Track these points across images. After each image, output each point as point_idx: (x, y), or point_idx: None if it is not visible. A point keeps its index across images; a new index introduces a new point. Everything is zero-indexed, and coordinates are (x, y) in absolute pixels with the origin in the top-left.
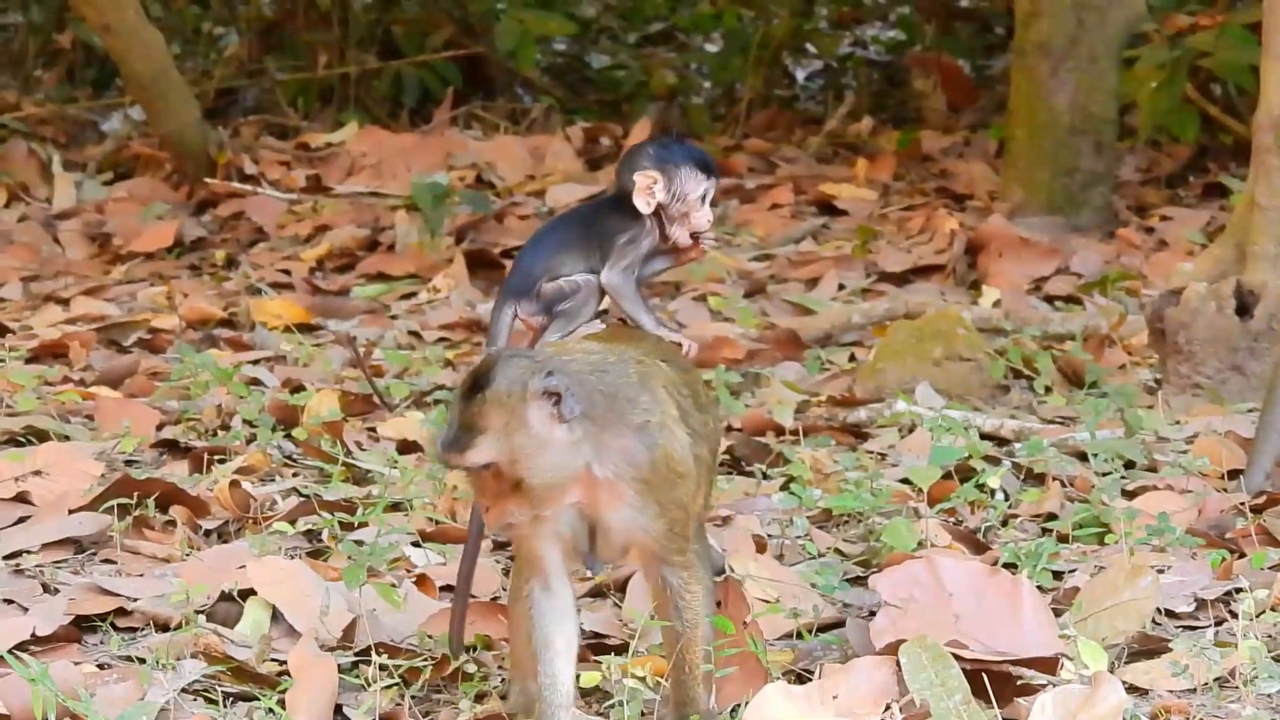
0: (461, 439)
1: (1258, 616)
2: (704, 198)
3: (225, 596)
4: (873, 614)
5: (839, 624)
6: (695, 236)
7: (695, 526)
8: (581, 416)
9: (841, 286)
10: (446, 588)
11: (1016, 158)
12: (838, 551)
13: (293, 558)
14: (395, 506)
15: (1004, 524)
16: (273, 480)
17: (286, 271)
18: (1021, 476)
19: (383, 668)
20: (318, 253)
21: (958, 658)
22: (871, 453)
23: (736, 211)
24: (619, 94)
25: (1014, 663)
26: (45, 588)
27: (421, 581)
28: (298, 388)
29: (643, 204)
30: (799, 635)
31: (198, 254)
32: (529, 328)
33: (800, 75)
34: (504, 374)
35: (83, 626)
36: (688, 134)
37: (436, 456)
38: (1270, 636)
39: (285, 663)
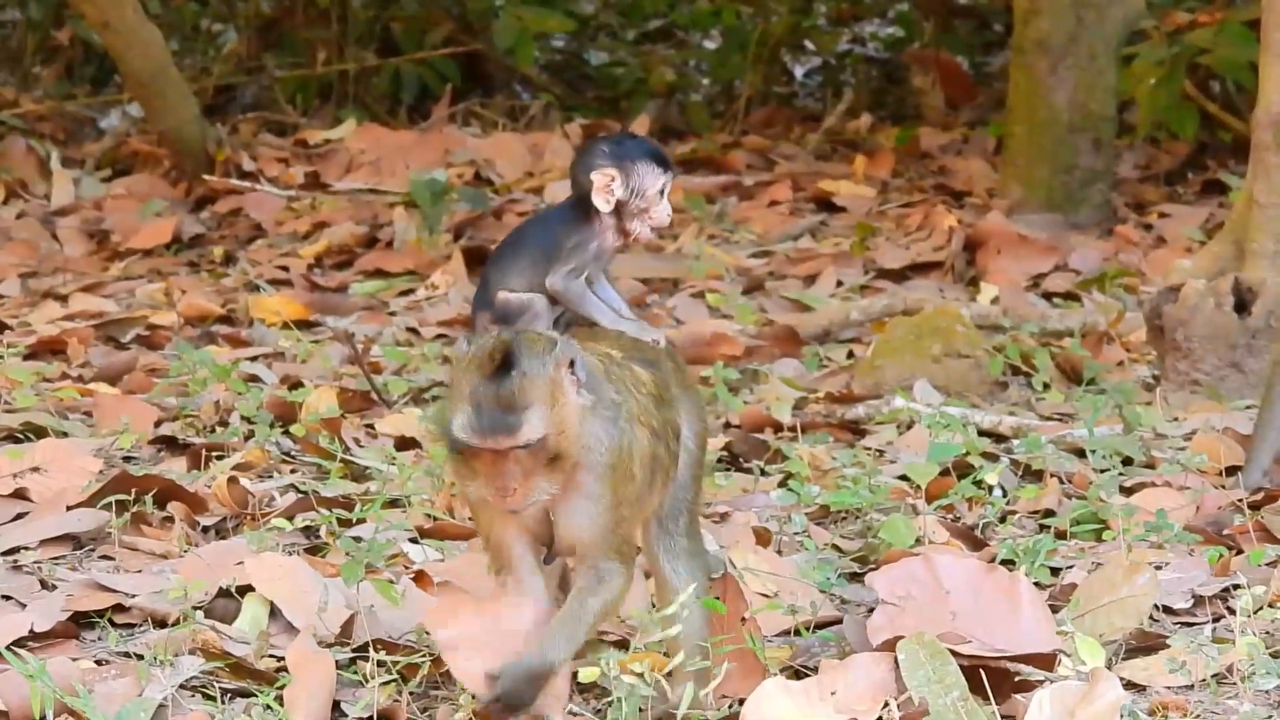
0: (508, 420)
1: (1255, 613)
2: (662, 191)
3: (223, 593)
4: (870, 611)
5: (836, 621)
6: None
7: (688, 524)
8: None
9: (840, 283)
10: (444, 584)
11: (1015, 155)
12: (835, 548)
13: (291, 554)
14: (393, 503)
15: (1002, 520)
16: (271, 477)
17: (285, 268)
18: (1019, 473)
19: (380, 664)
20: (316, 249)
21: (955, 654)
22: (869, 449)
23: (735, 208)
24: (617, 91)
25: (1011, 659)
26: (43, 584)
27: (419, 578)
28: (296, 384)
29: (602, 202)
30: (797, 632)
31: (196, 251)
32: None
33: (799, 72)
34: (529, 349)
35: (81, 623)
36: (687, 130)
37: (483, 442)
38: (1268, 633)
39: (283, 659)
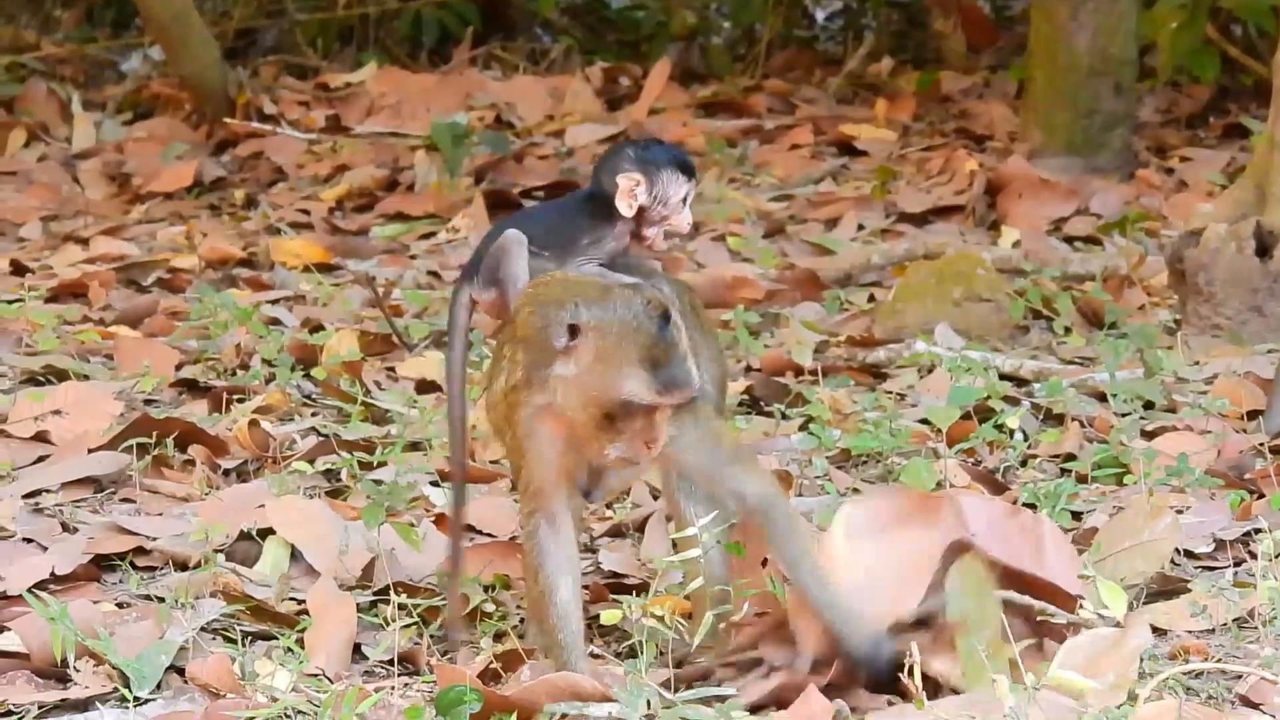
0: (686, 371)
1: (1277, 557)
2: (685, 200)
3: (244, 536)
4: None
5: None
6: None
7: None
8: None
9: (861, 227)
10: (465, 527)
11: (1036, 99)
12: (856, 491)
13: (312, 497)
14: (414, 446)
15: (1023, 464)
16: (292, 420)
17: (306, 211)
18: (1040, 417)
19: (401, 607)
20: (337, 193)
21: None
22: (890, 393)
23: (756, 152)
24: (638, 34)
25: (1036, 595)
26: (64, 527)
27: (440, 521)
28: (317, 327)
29: (625, 207)
30: None
31: (217, 194)
32: (484, 306)
33: (820, 16)
34: (668, 300)
35: (102, 565)
36: (708, 74)
37: (669, 398)
38: None
39: (304, 602)
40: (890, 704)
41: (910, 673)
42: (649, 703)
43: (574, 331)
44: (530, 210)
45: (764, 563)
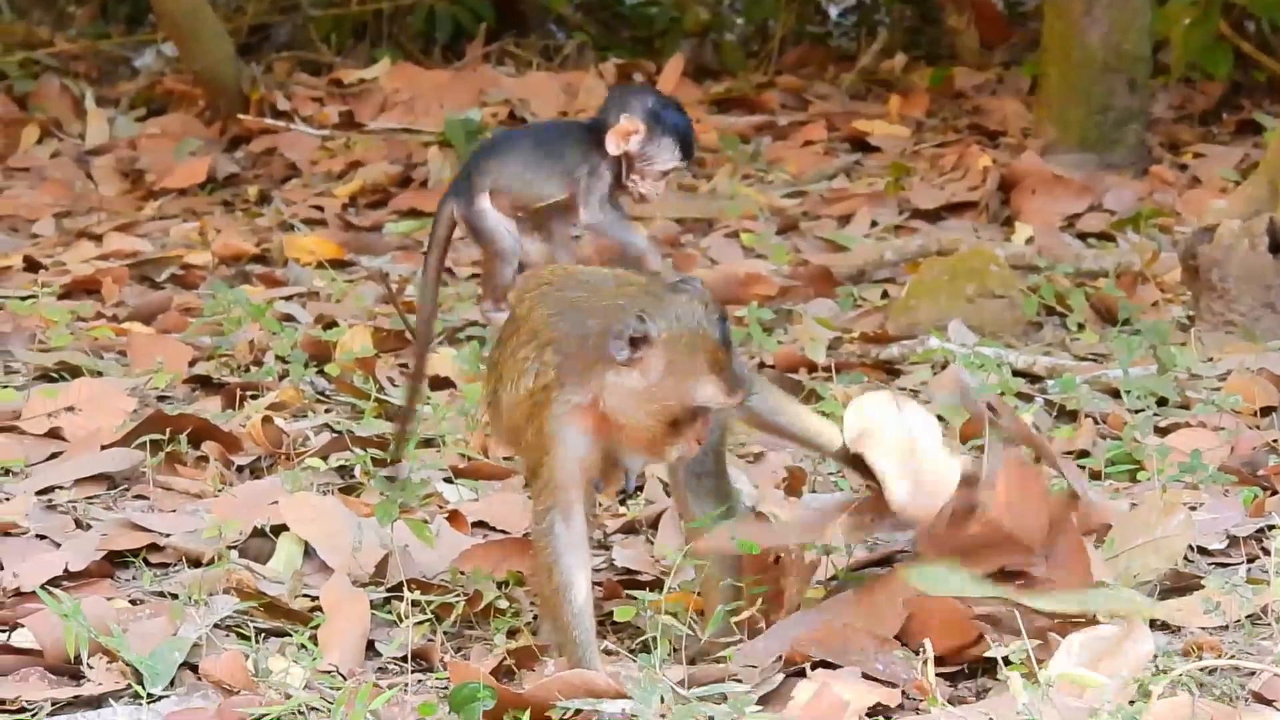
0: (743, 371)
1: None
2: (666, 174)
3: (258, 532)
4: (904, 552)
5: (874, 564)
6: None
7: (715, 464)
8: None
9: (874, 223)
10: (479, 524)
11: (1050, 95)
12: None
13: (325, 494)
14: (427, 442)
15: (1036, 461)
16: (305, 416)
17: (319, 208)
18: (1054, 413)
19: (415, 604)
20: (350, 189)
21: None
22: (904, 389)
23: (769, 148)
24: (652, 30)
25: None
26: (78, 523)
27: (454, 517)
28: (330, 324)
29: (612, 145)
30: (834, 577)
31: (230, 190)
32: (465, 225)
33: (833, 11)
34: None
35: (115, 562)
36: (721, 70)
37: (736, 399)
38: None
39: (318, 598)
40: (905, 703)
41: (924, 670)
42: (663, 699)
43: (636, 344)
44: (525, 130)
45: (775, 560)
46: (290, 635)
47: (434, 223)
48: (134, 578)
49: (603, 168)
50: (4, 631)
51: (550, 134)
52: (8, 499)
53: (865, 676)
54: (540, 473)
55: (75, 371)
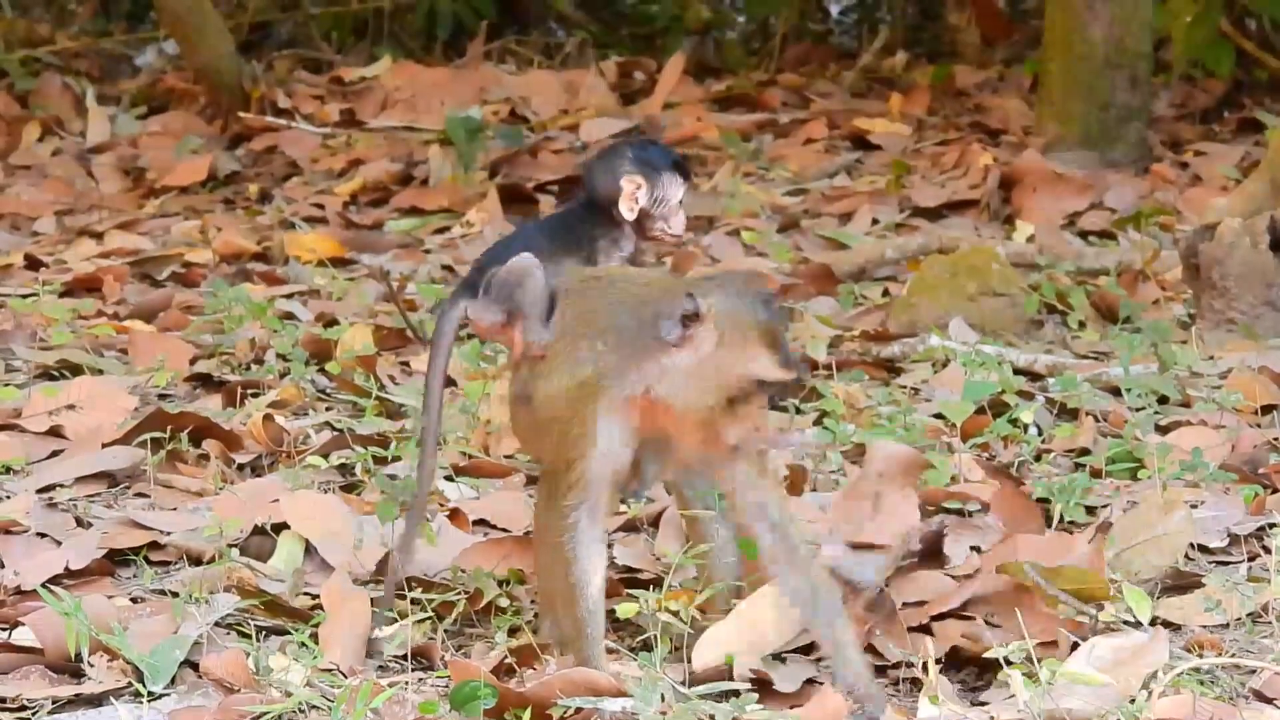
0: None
1: None
2: (680, 202)
3: (258, 530)
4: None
5: None
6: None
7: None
8: None
9: (875, 221)
10: (480, 522)
11: (1051, 92)
12: None
13: (326, 492)
14: None
15: (1037, 459)
16: (306, 414)
17: (320, 206)
18: (1055, 412)
19: (415, 602)
20: (351, 187)
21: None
22: (905, 388)
23: (770, 146)
24: (653, 28)
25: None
26: (79, 521)
27: (455, 516)
28: (331, 322)
29: (626, 211)
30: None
31: (231, 188)
32: (478, 331)
33: (834, 9)
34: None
35: (116, 560)
36: (722, 68)
37: (792, 374)
38: None
39: (318, 596)
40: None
41: (926, 669)
42: (663, 697)
43: (688, 321)
44: (530, 226)
45: None
46: (291, 633)
47: (438, 327)
48: (135, 576)
49: (622, 235)
50: (5, 629)
51: (565, 220)
52: (9, 497)
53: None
54: (574, 468)
55: (76, 369)
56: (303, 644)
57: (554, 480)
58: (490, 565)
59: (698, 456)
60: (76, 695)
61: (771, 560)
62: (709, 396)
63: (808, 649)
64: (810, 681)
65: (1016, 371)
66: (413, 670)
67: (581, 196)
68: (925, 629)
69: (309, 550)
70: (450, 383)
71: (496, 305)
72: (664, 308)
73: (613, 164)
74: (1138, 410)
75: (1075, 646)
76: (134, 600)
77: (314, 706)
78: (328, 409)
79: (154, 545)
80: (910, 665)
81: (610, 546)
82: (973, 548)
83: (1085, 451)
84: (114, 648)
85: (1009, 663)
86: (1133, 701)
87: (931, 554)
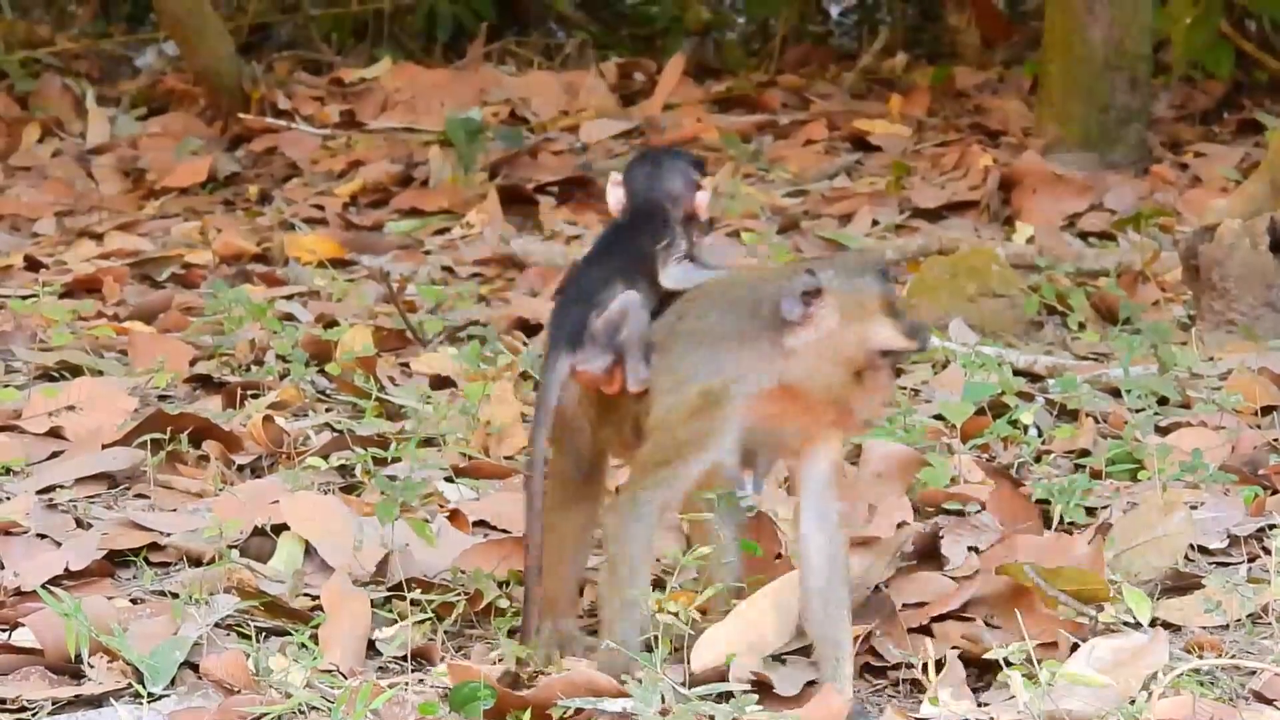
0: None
1: None
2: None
3: (258, 531)
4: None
5: None
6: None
7: None
8: None
9: (875, 223)
10: (480, 523)
11: (1051, 94)
12: None
13: (326, 493)
14: (428, 442)
15: (1037, 460)
16: (306, 415)
17: (320, 207)
18: (1055, 413)
19: (415, 603)
20: (351, 188)
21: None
22: (905, 388)
23: (770, 147)
24: (653, 29)
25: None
26: (79, 522)
27: (454, 517)
28: (331, 323)
29: (705, 211)
30: None
31: (231, 189)
32: (586, 382)
33: (834, 10)
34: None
35: (116, 561)
36: (722, 69)
37: (916, 344)
38: None
39: (318, 597)
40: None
41: (926, 669)
42: (663, 698)
43: (809, 299)
44: (591, 256)
45: (778, 556)
46: (291, 634)
47: (543, 391)
48: (135, 577)
49: (678, 238)
50: (5, 630)
51: (615, 245)
52: (9, 498)
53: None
54: (670, 462)
55: (76, 370)
56: (303, 645)
57: (641, 469)
58: (490, 566)
59: (816, 436)
60: (76, 696)
61: (804, 555)
62: (838, 372)
63: (808, 650)
64: (811, 683)
65: (1016, 373)
66: (412, 671)
67: (633, 213)
68: (925, 630)
69: (309, 551)
70: (449, 383)
71: (605, 351)
72: (784, 288)
73: (682, 172)
74: (1138, 411)
75: (1075, 647)
76: (134, 601)
77: (314, 707)
78: (328, 410)
79: (154, 546)
80: (910, 666)
81: None
82: (972, 549)
83: (1085, 453)
84: (114, 649)
85: (1009, 664)
86: (1133, 702)
87: (931, 555)
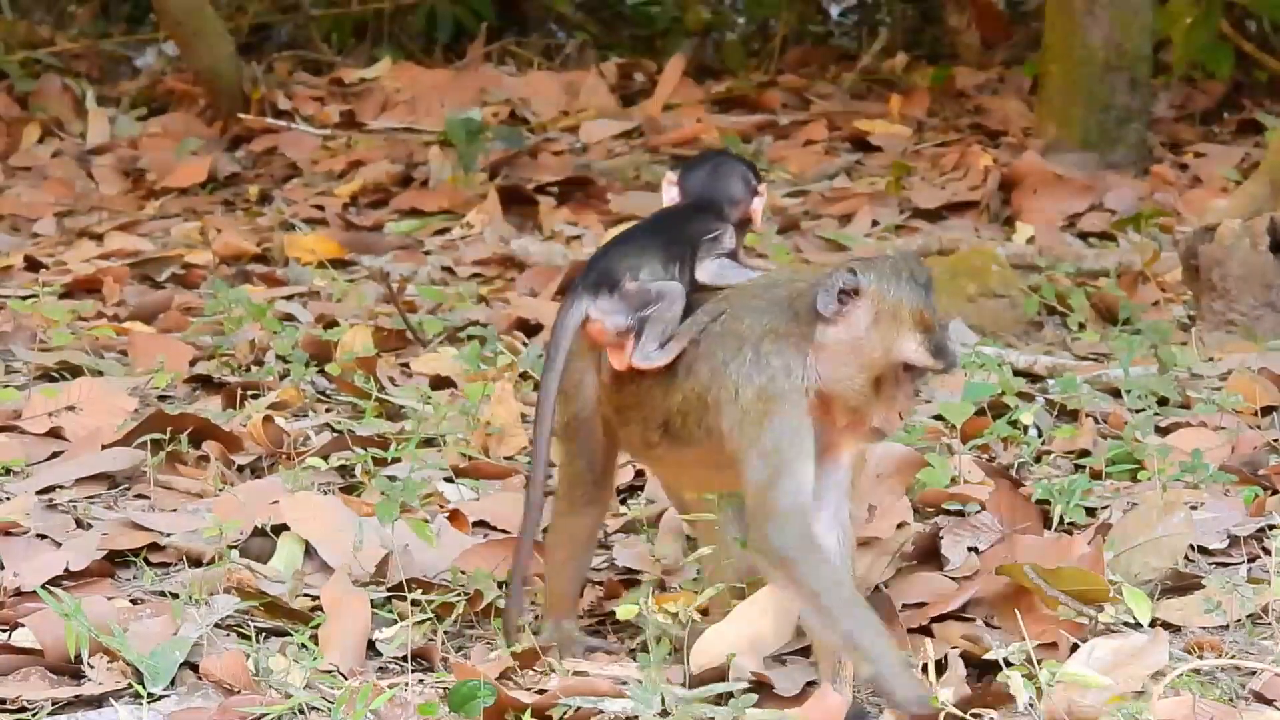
0: (950, 338)
1: None
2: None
3: (258, 532)
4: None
5: None
6: None
7: None
8: None
9: (875, 223)
10: (479, 523)
11: (1051, 94)
12: None
13: (326, 493)
14: (428, 442)
15: (1037, 460)
16: (306, 416)
17: (320, 207)
18: (1055, 413)
19: (415, 603)
20: (351, 188)
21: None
22: None
23: (770, 148)
24: (653, 30)
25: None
26: (79, 523)
27: (454, 517)
28: (331, 323)
29: (759, 219)
30: None
31: (231, 189)
32: (595, 334)
33: (834, 11)
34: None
35: (116, 561)
36: (722, 70)
37: (945, 364)
38: None
39: (318, 598)
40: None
41: (926, 670)
42: (663, 699)
43: (845, 297)
44: (641, 224)
45: None
46: (291, 635)
47: (558, 329)
48: (135, 577)
49: (725, 236)
50: (5, 631)
51: (672, 219)
52: (9, 498)
53: None
54: (780, 478)
55: (76, 371)
56: (303, 645)
57: (756, 498)
58: (490, 567)
59: (830, 443)
60: (76, 696)
61: None
62: (859, 376)
63: (807, 650)
64: (811, 683)
65: (1016, 373)
66: (412, 671)
67: (688, 200)
68: (925, 630)
69: (309, 552)
70: (449, 383)
71: (626, 315)
72: (825, 280)
73: (742, 176)
74: (1137, 412)
75: (1075, 648)
76: (134, 601)
77: (314, 708)
78: (327, 410)
79: (154, 546)
80: (910, 666)
81: (610, 547)
82: (972, 549)
83: (1085, 453)
84: (114, 649)
85: (1009, 664)
86: (1133, 703)
87: (931, 555)
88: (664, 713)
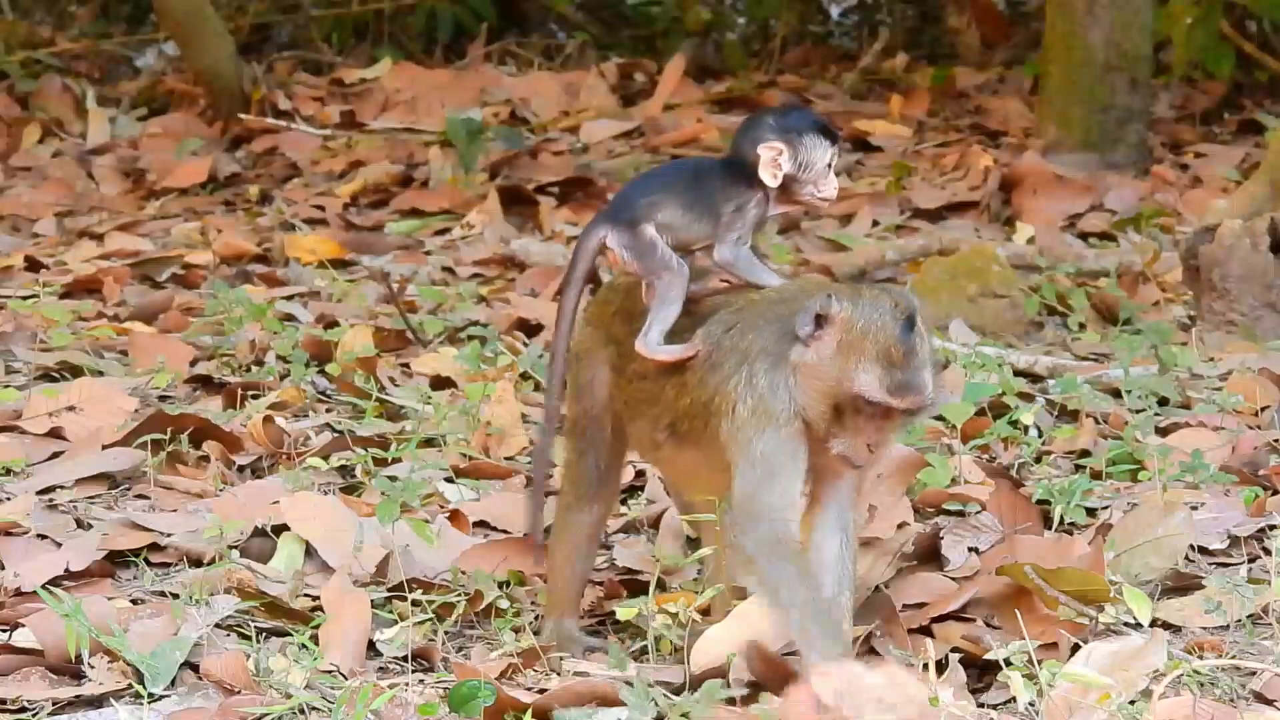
0: (923, 378)
1: None
2: (829, 165)
3: (259, 532)
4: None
5: None
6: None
7: None
8: None
9: (876, 223)
10: (480, 523)
11: (1051, 94)
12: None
13: (326, 493)
14: (428, 442)
15: (1037, 460)
16: (306, 416)
17: (320, 207)
18: (1055, 413)
19: (416, 603)
20: (352, 188)
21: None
22: None
23: None
24: (653, 30)
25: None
26: (79, 523)
27: (455, 517)
28: (331, 323)
29: (769, 177)
30: None
31: (232, 189)
32: (611, 261)
33: (834, 11)
34: (920, 309)
35: (116, 562)
36: (722, 70)
37: (902, 401)
38: None
39: (318, 598)
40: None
41: (926, 670)
42: (656, 703)
43: (819, 321)
44: (674, 164)
45: None
46: (291, 635)
47: (575, 256)
48: (135, 577)
49: (750, 205)
50: (5, 631)
51: (704, 171)
52: (9, 498)
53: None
54: (763, 486)
55: (76, 371)
56: (303, 645)
57: (742, 504)
58: (490, 567)
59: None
60: (77, 697)
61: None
62: (820, 403)
63: None
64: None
65: (1017, 373)
66: (413, 671)
67: (724, 157)
68: (925, 630)
69: (309, 552)
70: (449, 383)
71: (637, 258)
72: (806, 302)
73: (754, 132)
74: (1138, 412)
75: (1075, 648)
76: (134, 602)
77: (314, 708)
78: (328, 410)
79: (154, 547)
80: (910, 667)
81: (610, 548)
82: (972, 549)
83: (1085, 453)
84: (114, 649)
85: (1009, 664)
86: (1133, 703)
87: (931, 555)
88: (659, 718)
